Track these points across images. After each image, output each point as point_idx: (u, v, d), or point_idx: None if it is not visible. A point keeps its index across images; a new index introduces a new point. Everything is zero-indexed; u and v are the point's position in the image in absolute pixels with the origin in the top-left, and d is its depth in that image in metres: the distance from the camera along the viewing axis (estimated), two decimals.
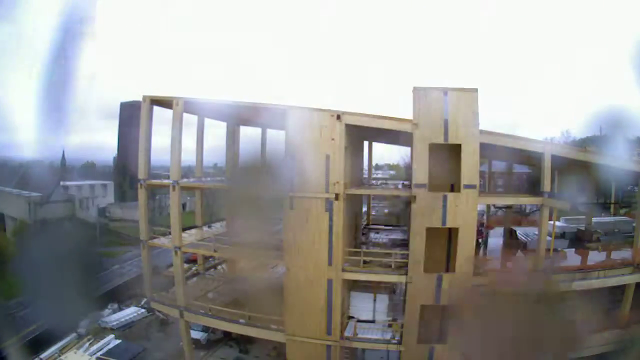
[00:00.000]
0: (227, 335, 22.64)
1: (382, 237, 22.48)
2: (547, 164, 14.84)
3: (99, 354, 21.90)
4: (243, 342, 22.24)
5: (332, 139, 14.84)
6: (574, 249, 18.12)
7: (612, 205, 27.64)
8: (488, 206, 23.29)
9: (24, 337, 23.17)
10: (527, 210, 31.75)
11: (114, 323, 26.18)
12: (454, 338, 13.54)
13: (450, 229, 15.25)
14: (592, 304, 14.46)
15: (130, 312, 27.93)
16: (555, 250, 16.01)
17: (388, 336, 15.89)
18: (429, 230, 14.71)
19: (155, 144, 18.32)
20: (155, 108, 18.06)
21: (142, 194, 17.94)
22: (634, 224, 18.47)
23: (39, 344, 22.46)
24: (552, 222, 15.67)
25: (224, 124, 22.92)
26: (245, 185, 15.41)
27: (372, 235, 23.34)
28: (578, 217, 22.49)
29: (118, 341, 23.16)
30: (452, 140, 14.39)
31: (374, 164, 26.95)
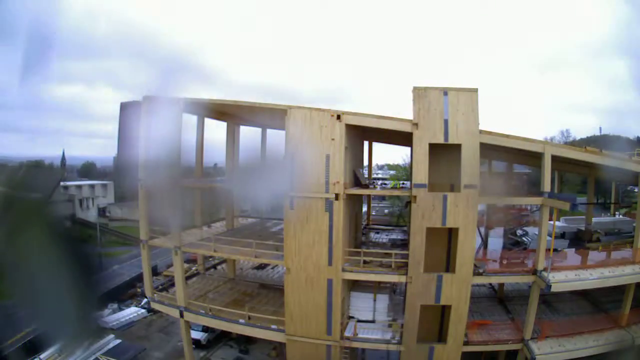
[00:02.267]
0: (226, 334, 22.67)
1: (382, 237, 22.47)
2: (547, 164, 14.83)
3: (98, 353, 21.89)
4: (243, 342, 22.26)
5: (332, 139, 14.85)
6: (574, 249, 18.13)
7: (612, 205, 27.67)
8: (488, 206, 23.26)
9: (23, 337, 23.14)
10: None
11: (114, 323, 26.18)
12: None
13: (450, 229, 15.26)
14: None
15: (130, 312, 27.95)
16: (555, 250, 15.99)
17: (388, 336, 15.90)
18: (429, 230, 14.71)
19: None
20: None
21: (142, 193, 17.91)
22: (634, 224, 18.47)
23: (38, 344, 22.43)
24: (552, 222, 15.64)
25: (224, 124, 22.89)
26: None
27: (372, 235, 23.33)
28: (578, 217, 22.51)
29: (118, 341, 23.18)
30: (452, 140, 14.38)
31: (374, 164, 26.93)
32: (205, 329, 22.16)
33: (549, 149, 15.18)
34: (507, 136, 15.10)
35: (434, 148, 14.45)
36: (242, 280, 22.24)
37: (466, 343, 15.57)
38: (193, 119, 19.79)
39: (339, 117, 14.81)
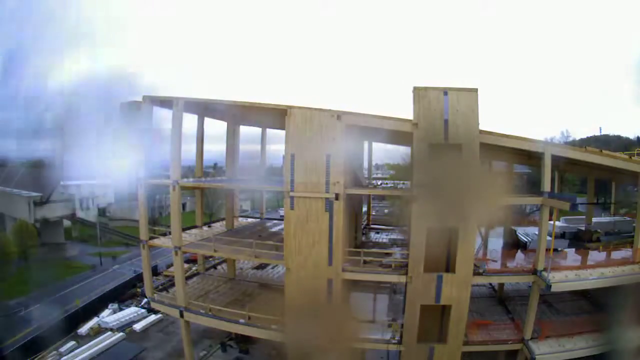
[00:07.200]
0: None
1: (382, 237, 22.47)
2: (547, 164, 14.82)
3: (96, 349, 22.03)
4: (243, 342, 22.26)
5: (333, 139, 14.84)
6: (574, 249, 18.12)
7: (612, 205, 27.62)
8: None
9: (23, 337, 23.24)
10: (527, 210, 31.73)
11: (114, 323, 26.19)
12: None
13: (450, 229, 15.23)
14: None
15: (130, 312, 27.95)
16: (555, 250, 15.98)
17: (388, 336, 15.88)
18: (429, 230, 14.69)
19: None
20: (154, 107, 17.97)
21: (142, 193, 17.91)
22: (634, 224, 18.44)
23: (39, 343, 22.51)
24: (552, 222, 15.62)
25: (224, 124, 22.90)
26: None
27: (372, 235, 23.33)
28: (578, 217, 22.46)
29: (118, 341, 23.21)
30: (452, 140, 14.32)
31: (374, 163, 26.93)
32: None
33: (549, 149, 15.17)
34: (507, 136, 15.08)
35: (433, 148, 14.43)
36: (242, 280, 22.25)
37: (466, 343, 15.56)
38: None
39: (339, 117, 14.81)
